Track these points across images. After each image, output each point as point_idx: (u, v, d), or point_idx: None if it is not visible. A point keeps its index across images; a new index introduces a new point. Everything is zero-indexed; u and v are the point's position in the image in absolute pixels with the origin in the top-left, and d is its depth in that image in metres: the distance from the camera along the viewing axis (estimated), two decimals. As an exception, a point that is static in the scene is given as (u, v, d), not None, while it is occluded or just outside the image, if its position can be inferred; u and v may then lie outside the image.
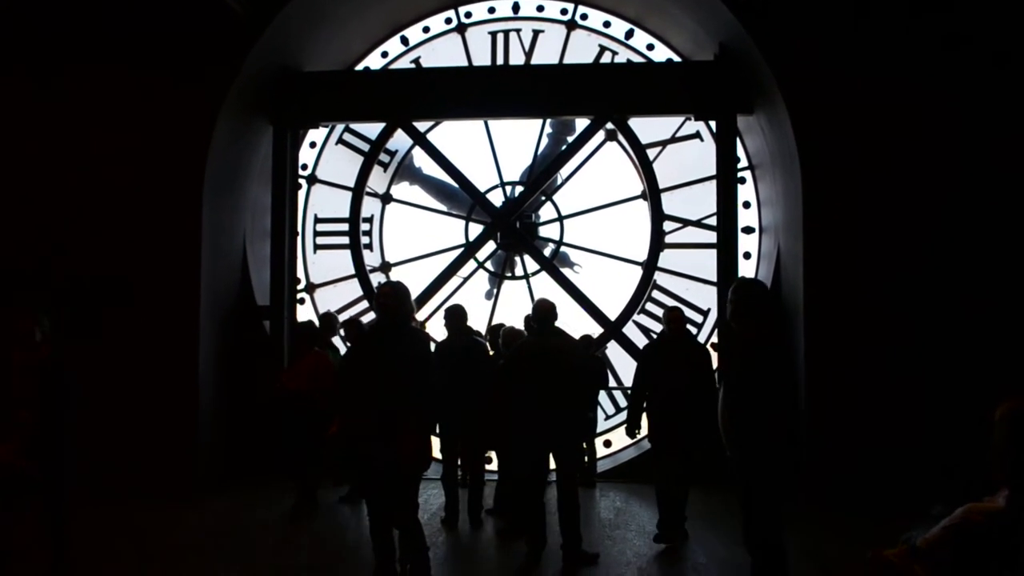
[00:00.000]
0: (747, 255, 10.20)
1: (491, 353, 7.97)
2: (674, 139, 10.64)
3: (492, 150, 11.22)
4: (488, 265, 11.43)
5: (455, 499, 7.43)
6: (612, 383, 10.30)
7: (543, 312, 6.34)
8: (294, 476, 8.00)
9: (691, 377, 6.60)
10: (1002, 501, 3.58)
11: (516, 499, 6.98)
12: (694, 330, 10.48)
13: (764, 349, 4.62)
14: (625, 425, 7.32)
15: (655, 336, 8.98)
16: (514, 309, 11.25)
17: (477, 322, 10.48)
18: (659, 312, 10.51)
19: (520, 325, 8.10)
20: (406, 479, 5.07)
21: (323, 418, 7.46)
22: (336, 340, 9.08)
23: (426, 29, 11.23)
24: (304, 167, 11.03)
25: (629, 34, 10.90)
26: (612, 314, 10.49)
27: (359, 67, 11.26)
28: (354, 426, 5.14)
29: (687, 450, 6.64)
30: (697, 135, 10.56)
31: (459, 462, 7.81)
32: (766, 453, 4.44)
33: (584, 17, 10.96)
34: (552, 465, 6.30)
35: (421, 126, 10.80)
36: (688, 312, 10.34)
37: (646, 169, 10.51)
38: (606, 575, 5.92)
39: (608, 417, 10.43)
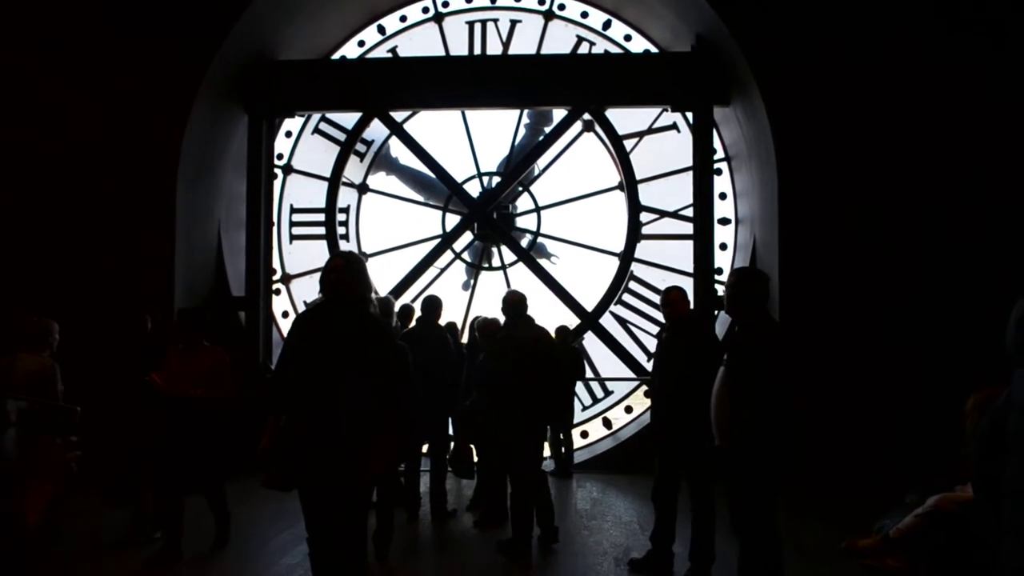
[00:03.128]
0: (723, 246, 10.26)
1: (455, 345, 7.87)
2: (651, 130, 10.66)
3: (469, 140, 11.20)
4: (465, 256, 11.41)
5: (417, 489, 7.33)
6: (589, 374, 10.31)
7: (515, 304, 6.32)
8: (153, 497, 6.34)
9: (689, 370, 5.36)
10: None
11: (498, 491, 7.02)
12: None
13: (769, 341, 4.53)
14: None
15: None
16: (491, 300, 11.25)
17: (454, 313, 10.51)
18: (635, 303, 10.58)
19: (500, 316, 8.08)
20: (358, 498, 4.09)
21: (219, 430, 6.12)
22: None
23: (403, 18, 11.16)
24: (280, 156, 10.96)
25: (606, 25, 10.90)
26: (589, 305, 10.52)
27: (336, 56, 11.18)
28: (296, 435, 3.96)
29: (686, 461, 5.49)
30: (674, 126, 10.59)
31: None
32: (767, 446, 4.37)
33: (561, 7, 10.94)
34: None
35: (398, 116, 10.75)
36: (665, 303, 10.40)
37: (623, 160, 10.53)
38: (582, 565, 5.94)
39: (585, 408, 10.45)
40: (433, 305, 7.44)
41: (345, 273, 4.12)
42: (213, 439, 6.04)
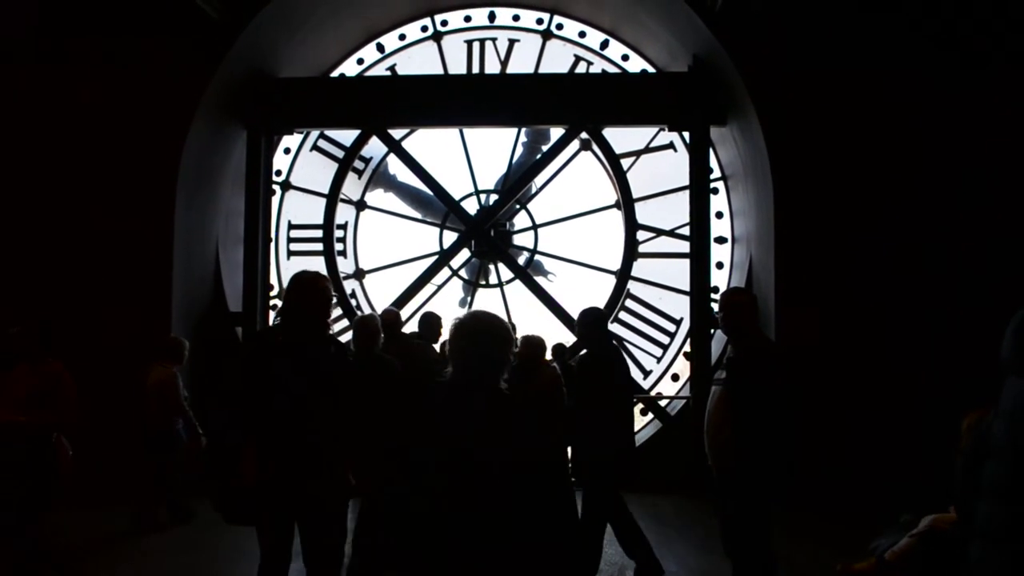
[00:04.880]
0: (720, 265, 10.29)
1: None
2: (648, 149, 10.71)
3: (467, 158, 11.24)
4: (462, 273, 11.43)
5: None
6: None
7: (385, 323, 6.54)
8: None
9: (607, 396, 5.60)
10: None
11: None
12: (666, 340, 10.52)
13: (771, 361, 4.53)
14: None
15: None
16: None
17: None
18: (632, 321, 10.57)
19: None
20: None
21: (36, 462, 5.35)
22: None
23: (402, 36, 11.24)
24: (278, 173, 10.99)
25: (604, 44, 10.98)
26: (586, 323, 10.50)
27: (334, 73, 11.24)
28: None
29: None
30: (671, 145, 10.64)
31: None
32: (769, 467, 4.35)
33: (560, 27, 11.02)
34: None
35: (396, 133, 10.79)
36: (660, 321, 10.44)
37: (620, 179, 10.57)
38: (578, 584, 5.92)
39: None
40: (426, 323, 7.37)
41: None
42: (26, 473, 5.27)
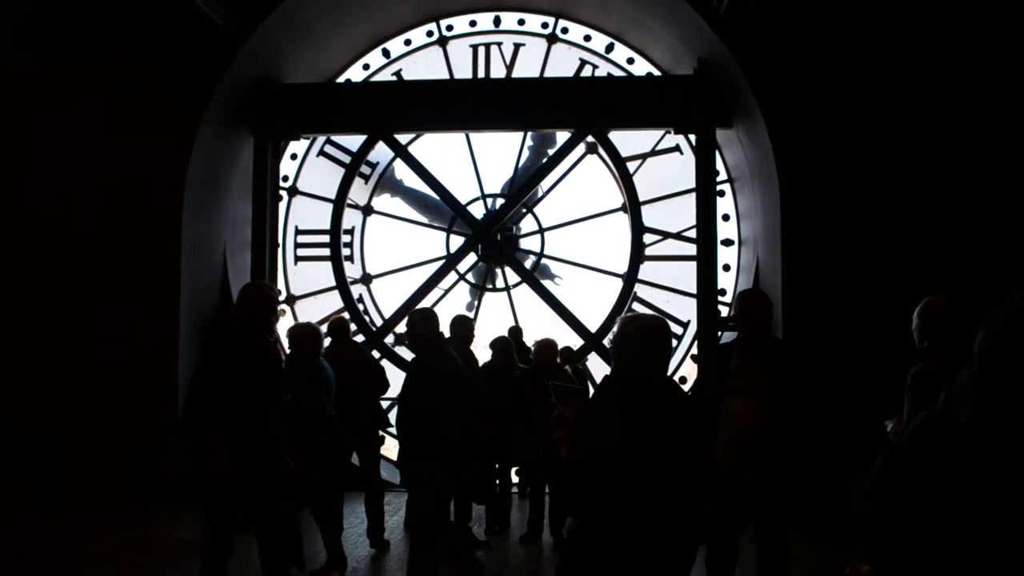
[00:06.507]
0: (726, 267, 10.28)
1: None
2: (654, 152, 10.72)
3: (473, 163, 11.26)
4: (469, 277, 11.44)
5: None
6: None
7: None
8: None
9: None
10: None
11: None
12: (672, 342, 10.52)
13: (792, 364, 4.54)
14: None
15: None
16: (495, 321, 11.27)
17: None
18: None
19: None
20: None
21: None
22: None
23: (408, 42, 11.26)
24: (285, 179, 11.02)
25: (609, 48, 10.99)
26: (593, 326, 10.52)
27: (340, 79, 11.28)
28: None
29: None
30: (677, 148, 10.63)
31: None
32: (800, 471, 4.37)
33: (565, 31, 11.04)
34: None
35: (402, 138, 10.82)
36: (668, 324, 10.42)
37: (626, 182, 10.57)
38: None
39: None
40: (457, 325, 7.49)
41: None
42: None
